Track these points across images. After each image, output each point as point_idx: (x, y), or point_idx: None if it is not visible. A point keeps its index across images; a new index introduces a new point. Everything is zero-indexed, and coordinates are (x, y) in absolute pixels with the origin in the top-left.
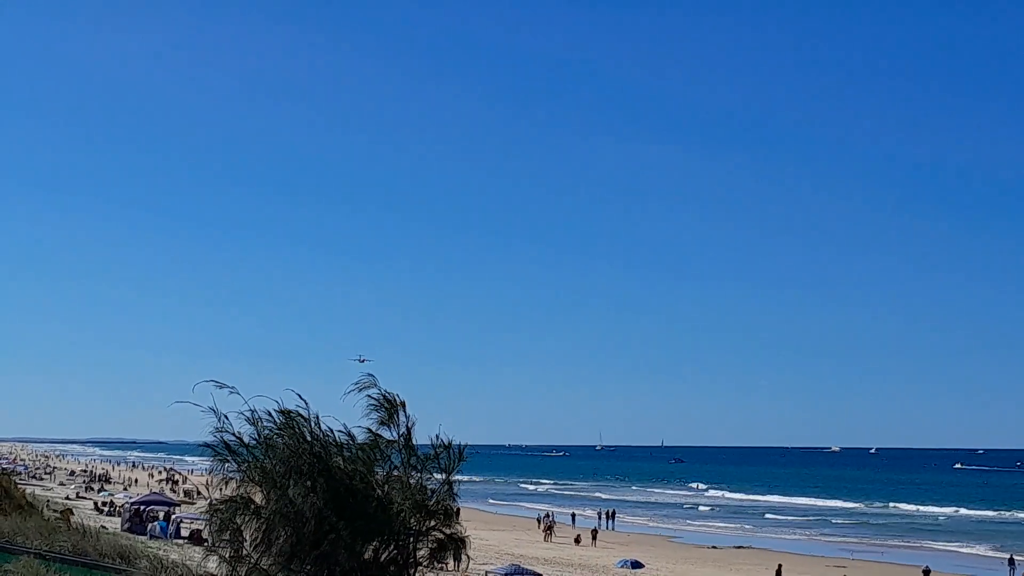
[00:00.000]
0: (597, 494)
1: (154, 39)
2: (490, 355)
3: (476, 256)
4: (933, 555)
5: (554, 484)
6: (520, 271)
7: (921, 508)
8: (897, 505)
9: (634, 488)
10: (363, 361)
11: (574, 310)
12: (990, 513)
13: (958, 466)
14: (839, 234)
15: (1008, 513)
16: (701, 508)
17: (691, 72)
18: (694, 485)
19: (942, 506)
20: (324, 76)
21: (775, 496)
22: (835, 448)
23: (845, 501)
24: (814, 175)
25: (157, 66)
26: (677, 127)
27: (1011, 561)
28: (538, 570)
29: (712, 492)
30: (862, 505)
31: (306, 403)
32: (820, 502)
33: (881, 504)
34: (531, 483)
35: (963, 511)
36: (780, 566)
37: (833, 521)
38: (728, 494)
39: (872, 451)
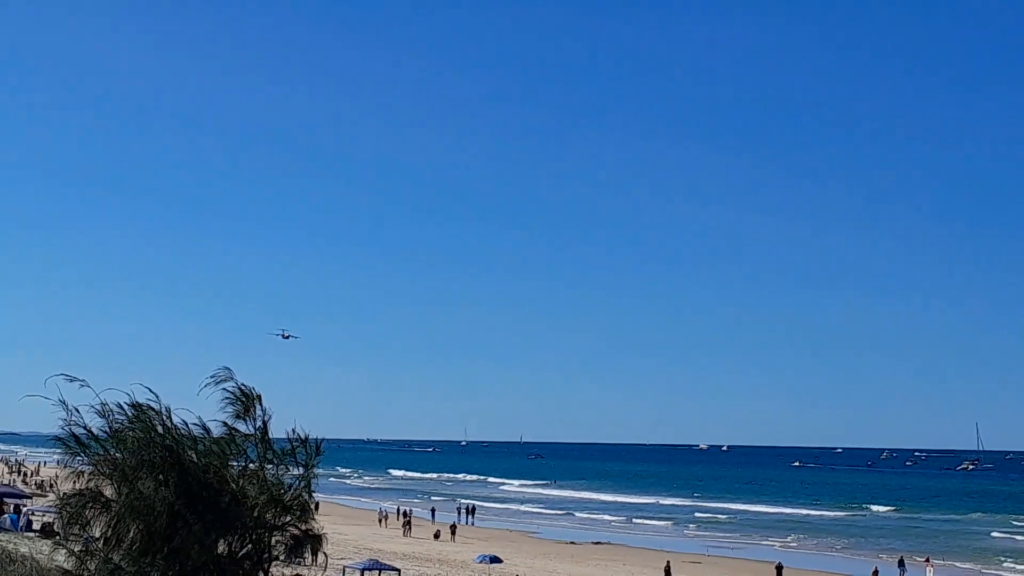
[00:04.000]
0: (458, 489)
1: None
2: (358, 351)
3: (346, 253)
4: (783, 552)
5: (415, 478)
6: (388, 269)
7: (763, 507)
8: (745, 506)
9: (494, 484)
10: (287, 337)
11: (439, 307)
12: (835, 512)
13: (796, 464)
14: (696, 234)
15: (836, 513)
16: (558, 505)
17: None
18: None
19: (785, 503)
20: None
21: (634, 495)
22: (703, 446)
23: (693, 499)
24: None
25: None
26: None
27: (901, 563)
28: (397, 565)
29: (571, 491)
30: (707, 502)
31: (157, 397)
32: (671, 500)
33: (728, 501)
34: (394, 478)
35: (800, 509)
36: (668, 563)
37: (689, 517)
38: (587, 493)
39: (724, 448)
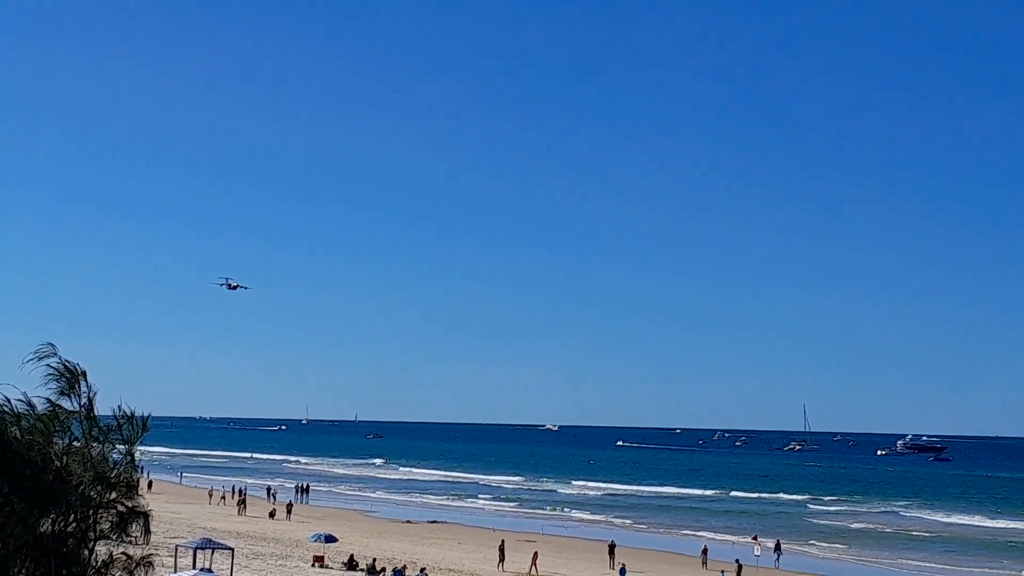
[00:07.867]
0: (298, 468)
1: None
2: (198, 331)
3: (193, 234)
4: (615, 531)
5: (259, 459)
6: (229, 246)
7: (595, 486)
8: (577, 485)
9: (333, 462)
10: (233, 287)
11: (277, 291)
12: (665, 492)
13: (620, 443)
14: (541, 217)
15: (666, 492)
16: (394, 484)
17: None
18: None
19: (616, 483)
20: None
21: (475, 473)
22: (551, 426)
23: (529, 479)
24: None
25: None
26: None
27: (777, 546)
28: (230, 543)
29: (408, 469)
30: (542, 482)
31: None
32: (507, 479)
33: (561, 481)
34: (235, 456)
35: (630, 487)
36: (503, 542)
37: (525, 496)
38: (423, 472)
39: (555, 428)
